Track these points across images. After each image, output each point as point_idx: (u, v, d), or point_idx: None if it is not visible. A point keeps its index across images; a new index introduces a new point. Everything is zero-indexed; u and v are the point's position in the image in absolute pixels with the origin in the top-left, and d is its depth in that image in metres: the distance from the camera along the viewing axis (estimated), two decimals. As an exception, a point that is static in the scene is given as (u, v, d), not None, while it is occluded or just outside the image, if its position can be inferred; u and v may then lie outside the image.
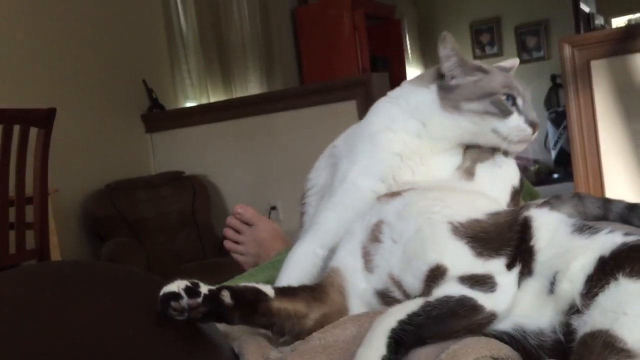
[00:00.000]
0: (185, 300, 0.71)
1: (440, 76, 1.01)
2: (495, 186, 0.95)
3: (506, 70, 1.05)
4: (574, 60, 3.02)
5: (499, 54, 7.58)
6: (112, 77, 3.93)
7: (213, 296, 0.73)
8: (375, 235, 0.83)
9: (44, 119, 2.55)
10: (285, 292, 0.81)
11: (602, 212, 0.97)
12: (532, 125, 0.97)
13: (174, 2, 4.38)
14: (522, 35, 7.43)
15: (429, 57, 7.84)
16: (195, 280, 0.73)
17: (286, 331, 0.80)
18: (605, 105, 3.01)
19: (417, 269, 0.76)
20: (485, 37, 7.64)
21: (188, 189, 3.92)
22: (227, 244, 1.46)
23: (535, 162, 7.17)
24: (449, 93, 0.98)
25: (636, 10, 8.44)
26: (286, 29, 5.59)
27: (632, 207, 0.96)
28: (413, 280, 0.76)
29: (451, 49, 0.97)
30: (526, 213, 0.79)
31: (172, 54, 4.41)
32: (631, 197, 2.97)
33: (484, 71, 0.99)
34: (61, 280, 0.79)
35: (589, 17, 7.85)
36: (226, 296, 0.73)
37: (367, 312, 0.79)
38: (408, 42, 7.39)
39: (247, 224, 1.43)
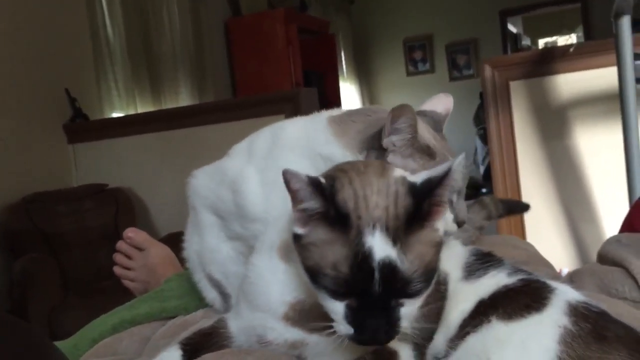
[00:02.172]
0: None
1: (374, 145, 0.84)
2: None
3: (439, 119, 0.92)
4: (494, 80, 3.11)
5: (431, 71, 7.76)
6: (31, 84, 3.76)
7: None
8: None
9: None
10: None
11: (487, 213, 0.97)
12: (460, 223, 0.85)
13: (100, 9, 4.24)
14: (453, 54, 7.64)
15: (363, 72, 7.94)
16: None
17: None
18: (524, 125, 3.11)
19: None
20: (417, 54, 7.80)
21: (111, 203, 3.79)
22: (117, 270, 1.38)
23: (464, 177, 7.36)
24: None
25: (562, 32, 8.84)
26: (219, 41, 5.53)
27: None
28: None
29: (408, 125, 0.82)
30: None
31: (98, 63, 4.27)
32: (547, 214, 3.07)
33: (430, 155, 0.84)
34: None
35: (516, 38, 8.17)
36: None
37: (249, 349, 0.76)
38: (343, 57, 7.46)
39: (138, 248, 1.36)
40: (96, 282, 3.32)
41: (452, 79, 7.63)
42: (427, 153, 0.84)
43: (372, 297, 0.59)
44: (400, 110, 0.82)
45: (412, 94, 7.81)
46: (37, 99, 3.82)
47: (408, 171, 0.79)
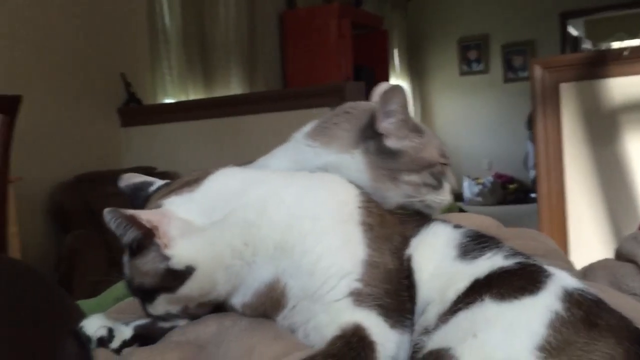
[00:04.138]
0: (94, 346, 0.78)
1: (369, 135, 0.85)
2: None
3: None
4: (544, 81, 3.05)
5: (485, 71, 7.64)
6: (88, 69, 3.91)
7: (120, 346, 0.79)
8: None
9: (8, 105, 2.53)
10: None
11: None
12: (453, 192, 0.90)
13: (158, -3, 4.37)
14: (509, 55, 7.49)
15: (415, 70, 7.89)
16: (112, 326, 0.79)
17: None
18: (573, 129, 3.04)
19: None
20: (472, 54, 7.69)
21: (158, 186, 3.91)
22: None
23: (513, 180, 7.23)
24: (385, 160, 0.83)
25: (624, 36, 8.54)
26: (272, 32, 5.60)
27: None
28: None
29: (400, 105, 0.83)
30: (407, 251, 0.77)
31: (154, 49, 4.39)
32: (592, 221, 3.00)
33: (420, 133, 0.86)
34: None
35: (576, 41, 7.94)
36: (133, 345, 0.79)
37: (231, 313, 0.80)
38: (396, 54, 7.42)
39: None
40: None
41: (507, 80, 7.49)
42: (417, 131, 0.86)
43: None
44: (392, 92, 0.83)
45: (464, 94, 7.72)
46: (93, 82, 3.97)
47: (409, 150, 0.81)
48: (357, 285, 0.72)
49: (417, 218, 0.83)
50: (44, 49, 3.62)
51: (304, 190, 0.79)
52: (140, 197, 0.86)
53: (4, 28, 3.41)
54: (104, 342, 0.78)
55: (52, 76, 3.66)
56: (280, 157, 0.90)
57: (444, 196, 0.86)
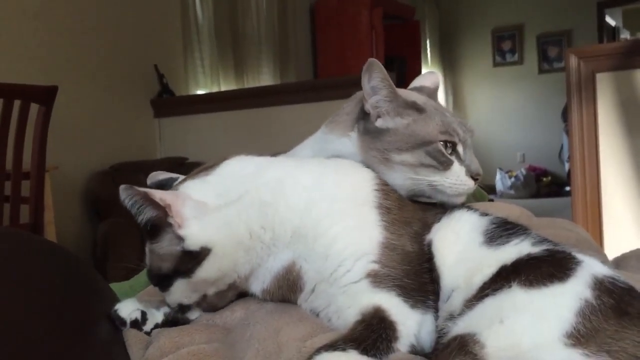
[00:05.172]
0: (127, 328, 0.80)
1: (361, 116, 0.84)
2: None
3: (430, 91, 0.90)
4: (580, 71, 2.99)
5: (519, 62, 7.51)
6: (123, 61, 3.97)
7: (152, 329, 0.81)
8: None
9: (45, 95, 2.59)
10: None
11: None
12: (475, 177, 0.82)
13: (190, -10, 4.41)
14: (544, 45, 7.35)
15: (447, 61, 7.80)
16: (145, 310, 0.81)
17: None
18: (608, 119, 2.97)
19: None
20: (506, 45, 7.56)
21: (190, 176, 3.95)
22: None
23: (547, 173, 7.11)
24: (374, 140, 0.81)
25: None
26: (304, 23, 5.60)
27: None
28: None
29: (381, 80, 0.81)
30: (427, 237, 0.76)
31: (186, 41, 4.44)
32: (627, 213, 2.94)
33: (418, 109, 0.82)
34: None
35: (614, 31, 7.75)
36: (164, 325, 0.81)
37: (257, 300, 0.80)
38: (428, 45, 7.35)
39: None
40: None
41: (542, 71, 7.35)
42: (415, 108, 0.82)
43: None
44: (367, 67, 0.80)
45: (498, 85, 7.60)
46: (128, 74, 4.03)
47: (399, 128, 0.78)
48: (374, 266, 0.72)
49: (439, 206, 0.82)
50: (80, 41, 3.68)
51: (320, 173, 0.79)
52: None
53: (41, 21, 3.48)
54: (137, 324, 0.80)
55: (88, 68, 3.73)
56: (305, 146, 0.91)
57: (455, 179, 0.80)
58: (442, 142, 0.80)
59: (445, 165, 0.80)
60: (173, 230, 0.74)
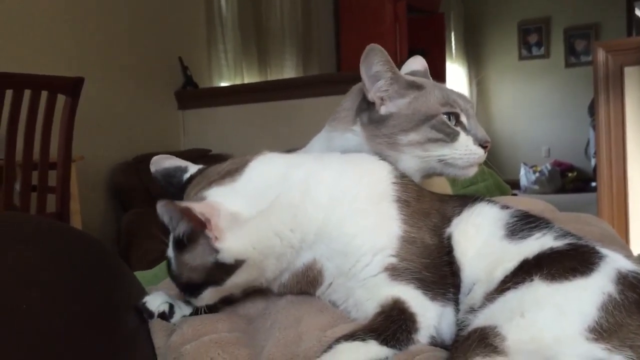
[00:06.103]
0: (154, 320, 0.81)
1: (363, 107, 0.85)
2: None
3: (421, 74, 0.90)
4: (607, 65, 2.94)
5: (546, 56, 7.41)
6: (147, 53, 4.01)
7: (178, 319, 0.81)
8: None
9: (71, 87, 2.62)
10: None
11: None
12: (483, 144, 0.82)
13: (215, -17, 4.43)
14: (571, 38, 7.24)
15: (472, 54, 7.72)
16: (173, 303, 0.81)
17: None
18: (636, 114, 2.92)
19: None
20: (532, 38, 7.47)
21: (213, 168, 3.98)
22: None
23: (573, 168, 7.01)
24: (379, 127, 0.82)
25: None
26: (327, 16, 5.59)
27: None
28: None
29: (383, 63, 0.81)
30: (447, 230, 0.76)
31: (210, 34, 4.47)
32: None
33: (418, 87, 0.83)
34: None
35: (643, 24, 7.58)
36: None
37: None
38: (452, 38, 7.28)
39: None
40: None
41: (569, 65, 7.24)
42: (415, 86, 0.82)
43: None
44: (368, 54, 0.80)
45: (523, 79, 7.51)
46: (152, 66, 4.07)
47: (402, 110, 0.78)
48: (392, 260, 0.72)
49: (458, 198, 0.81)
50: (105, 34, 3.73)
51: (340, 170, 0.79)
52: (173, 184, 0.84)
53: (67, 14, 3.53)
54: (165, 316, 0.81)
55: (113, 60, 3.77)
56: (312, 147, 0.92)
57: (464, 149, 0.80)
58: (445, 114, 0.80)
59: (452, 136, 0.80)
60: (209, 243, 0.73)
